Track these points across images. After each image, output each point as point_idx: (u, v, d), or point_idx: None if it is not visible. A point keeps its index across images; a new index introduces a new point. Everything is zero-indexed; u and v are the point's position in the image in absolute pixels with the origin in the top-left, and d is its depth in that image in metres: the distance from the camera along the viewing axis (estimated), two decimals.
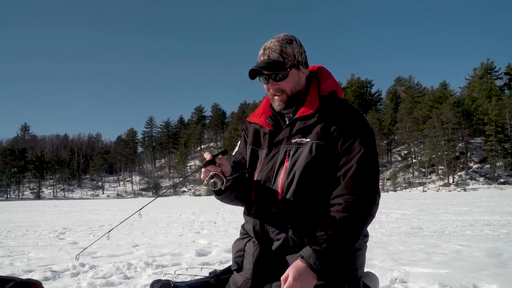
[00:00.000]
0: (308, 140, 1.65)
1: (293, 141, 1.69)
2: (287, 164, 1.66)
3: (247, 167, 1.85)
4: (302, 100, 1.74)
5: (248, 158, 1.86)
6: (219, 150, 1.67)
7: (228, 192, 1.73)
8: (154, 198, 2.13)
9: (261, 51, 1.72)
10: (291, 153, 1.67)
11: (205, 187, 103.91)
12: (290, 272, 1.51)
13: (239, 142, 1.99)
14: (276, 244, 1.66)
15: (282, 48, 1.67)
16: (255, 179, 1.78)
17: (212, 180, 1.60)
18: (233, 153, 1.99)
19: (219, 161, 1.62)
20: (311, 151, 1.63)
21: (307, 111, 1.69)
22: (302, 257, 1.52)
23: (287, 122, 1.76)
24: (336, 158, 1.63)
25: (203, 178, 1.62)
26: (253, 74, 1.71)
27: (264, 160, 1.76)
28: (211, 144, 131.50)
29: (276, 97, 1.73)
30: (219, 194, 1.73)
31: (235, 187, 1.74)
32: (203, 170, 1.62)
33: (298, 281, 1.48)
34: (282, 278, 1.52)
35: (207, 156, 1.63)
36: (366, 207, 1.57)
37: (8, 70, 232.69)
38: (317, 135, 1.65)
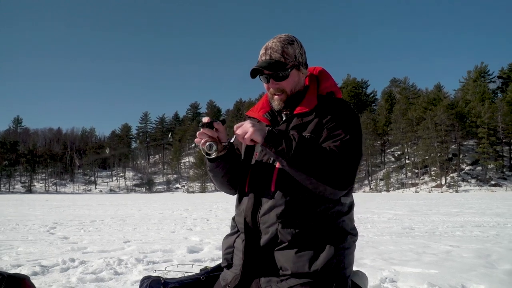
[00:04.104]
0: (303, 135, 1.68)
1: None
2: None
3: (241, 159, 1.86)
4: (301, 98, 1.77)
5: (243, 151, 1.88)
6: (219, 119, 1.67)
7: (221, 163, 1.74)
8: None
9: (262, 51, 1.74)
10: None
11: (199, 184, 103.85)
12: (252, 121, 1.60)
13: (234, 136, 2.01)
14: (264, 238, 1.66)
15: (283, 49, 1.70)
16: (249, 171, 1.79)
17: (208, 143, 1.61)
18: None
19: (216, 126, 1.64)
20: None
21: (305, 108, 1.72)
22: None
23: (284, 118, 1.79)
24: None
25: (198, 141, 1.63)
26: (254, 73, 1.73)
27: (259, 154, 1.78)
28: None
29: (276, 97, 1.76)
30: (212, 160, 1.74)
31: (228, 161, 1.76)
32: (199, 132, 1.63)
33: (250, 124, 1.56)
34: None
35: (205, 119, 1.64)
36: (338, 174, 1.54)
37: (1, 63, 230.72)
38: (310, 129, 1.68)
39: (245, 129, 1.55)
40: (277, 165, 1.68)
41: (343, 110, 1.71)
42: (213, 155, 1.67)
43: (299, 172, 1.54)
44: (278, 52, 1.70)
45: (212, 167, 1.77)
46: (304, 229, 1.62)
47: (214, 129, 1.63)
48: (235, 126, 1.59)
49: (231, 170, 1.79)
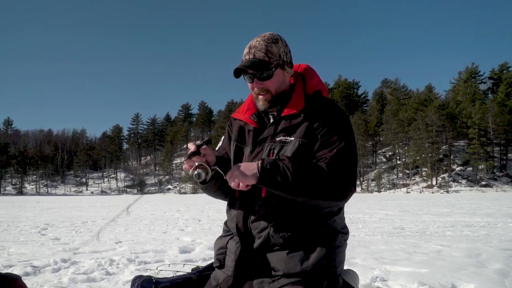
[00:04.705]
0: (292, 139, 1.66)
1: (277, 139, 1.69)
2: None
3: (231, 163, 1.84)
4: (287, 99, 1.74)
5: (232, 155, 1.85)
6: (203, 140, 1.66)
7: (212, 182, 1.73)
8: (140, 196, 2.04)
9: (246, 50, 1.71)
10: (275, 151, 1.67)
11: (191, 185, 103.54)
12: (240, 164, 1.57)
13: (222, 137, 1.99)
14: (257, 242, 1.66)
15: (267, 47, 1.67)
16: None
17: (196, 172, 1.58)
18: (216, 148, 1.98)
19: (203, 152, 1.62)
20: (294, 149, 1.63)
21: (292, 110, 1.69)
22: (263, 159, 1.57)
23: (272, 120, 1.77)
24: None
25: (187, 169, 1.60)
26: (238, 72, 1.70)
27: (248, 158, 1.76)
28: (198, 142, 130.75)
29: (261, 97, 1.73)
30: (204, 183, 1.73)
31: (219, 177, 1.73)
32: (186, 160, 1.61)
33: (237, 171, 1.54)
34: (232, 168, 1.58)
35: (192, 147, 1.62)
36: (339, 186, 1.56)
37: None
38: (301, 133, 1.65)
39: (236, 179, 1.54)
40: None
41: (333, 112, 1.69)
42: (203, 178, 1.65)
43: (300, 197, 1.55)
44: (262, 51, 1.67)
45: (204, 186, 1.77)
46: (295, 231, 1.63)
47: (202, 154, 1.61)
48: (227, 177, 1.57)
49: (222, 183, 1.77)
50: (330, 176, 1.53)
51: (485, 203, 24.34)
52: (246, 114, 1.84)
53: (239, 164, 1.57)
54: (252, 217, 1.67)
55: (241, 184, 1.53)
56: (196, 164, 1.58)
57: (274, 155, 1.66)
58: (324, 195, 1.54)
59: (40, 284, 4.12)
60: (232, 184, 1.55)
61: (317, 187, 1.52)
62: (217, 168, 1.63)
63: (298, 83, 1.80)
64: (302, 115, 1.68)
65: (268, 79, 1.69)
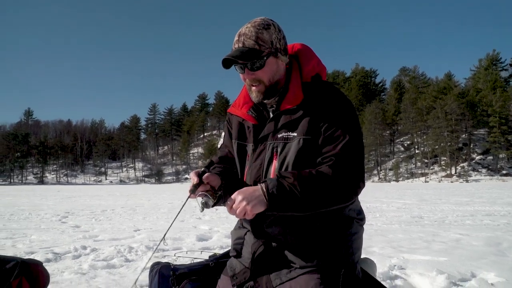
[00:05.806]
0: (295, 134, 1.57)
1: (279, 136, 1.60)
2: (275, 162, 1.59)
3: (236, 162, 1.79)
4: (285, 90, 1.63)
5: (236, 154, 1.78)
6: (205, 165, 1.63)
7: (221, 200, 1.68)
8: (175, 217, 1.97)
9: (236, 38, 1.59)
10: (279, 149, 1.59)
11: None
12: (242, 192, 1.45)
13: (223, 134, 1.92)
14: (274, 244, 1.64)
15: (258, 35, 1.54)
16: (245, 176, 1.71)
17: (203, 200, 1.56)
18: (219, 146, 1.93)
19: (206, 180, 1.57)
20: (299, 147, 1.56)
21: (291, 104, 1.59)
22: (265, 181, 1.47)
23: (271, 116, 1.67)
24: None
25: (193, 197, 1.58)
26: (227, 63, 1.57)
27: (251, 157, 1.69)
28: (214, 132, 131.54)
29: (254, 88, 1.61)
30: (214, 205, 1.69)
31: (227, 192, 1.66)
32: (191, 191, 1.57)
33: (244, 201, 1.42)
34: (232, 196, 1.47)
35: (194, 179, 1.57)
36: (348, 187, 1.49)
37: (12, 55, 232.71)
38: (303, 129, 1.56)
39: (241, 209, 1.43)
40: (272, 170, 1.60)
41: (334, 101, 1.58)
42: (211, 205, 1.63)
43: (310, 212, 1.49)
44: (251, 39, 1.54)
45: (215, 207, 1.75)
46: (311, 228, 1.59)
47: (205, 182, 1.58)
48: (227, 207, 1.48)
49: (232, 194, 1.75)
50: (338, 181, 1.46)
51: (506, 192, 23.92)
52: (243, 109, 1.73)
53: (239, 192, 1.46)
54: (266, 221, 1.63)
55: (247, 214, 1.42)
56: (201, 193, 1.56)
57: (278, 153, 1.59)
58: (335, 202, 1.49)
59: (61, 270, 4.22)
60: (236, 213, 1.44)
61: (327, 196, 1.46)
62: (222, 193, 1.62)
63: (294, 70, 1.66)
64: (302, 108, 1.57)
65: (260, 69, 1.57)
